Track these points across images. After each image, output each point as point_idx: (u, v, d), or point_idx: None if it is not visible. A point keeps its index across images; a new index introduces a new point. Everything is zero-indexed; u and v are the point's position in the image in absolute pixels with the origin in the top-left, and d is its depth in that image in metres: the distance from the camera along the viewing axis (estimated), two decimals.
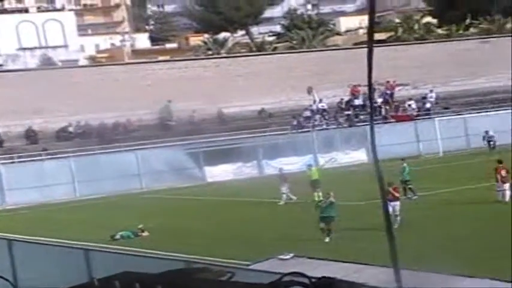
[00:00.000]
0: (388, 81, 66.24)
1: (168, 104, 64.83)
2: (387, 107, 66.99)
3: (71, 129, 62.44)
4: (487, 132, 58.93)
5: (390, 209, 27.71)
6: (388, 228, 2.65)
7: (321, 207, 28.61)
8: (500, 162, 34.89)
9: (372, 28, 2.99)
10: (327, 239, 27.24)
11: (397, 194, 30.27)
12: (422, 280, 12.47)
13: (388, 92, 67.65)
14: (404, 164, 38.95)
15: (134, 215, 39.39)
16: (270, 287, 2.32)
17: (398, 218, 28.63)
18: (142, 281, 2.55)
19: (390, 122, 63.70)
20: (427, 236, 26.59)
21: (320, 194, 35.46)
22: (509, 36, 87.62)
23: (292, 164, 57.93)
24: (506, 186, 33.23)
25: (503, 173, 33.52)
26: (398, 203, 29.51)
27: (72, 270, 15.90)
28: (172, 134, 60.25)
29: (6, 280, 3.15)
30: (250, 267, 15.53)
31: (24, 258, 18.18)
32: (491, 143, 58.20)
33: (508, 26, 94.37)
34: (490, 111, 64.39)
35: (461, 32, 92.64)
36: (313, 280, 2.31)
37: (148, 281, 2.55)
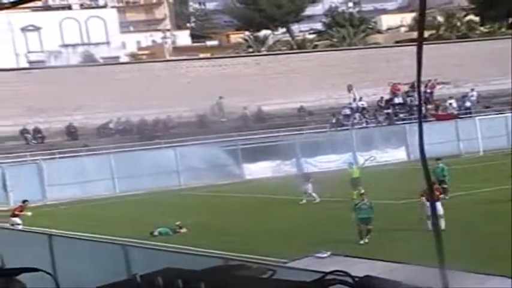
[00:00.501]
0: (429, 80, 65.89)
1: (220, 101, 65.11)
2: (428, 106, 66.61)
3: (111, 125, 62.83)
4: None
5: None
6: (435, 227, 2.62)
7: (360, 208, 28.29)
8: None
9: (422, 24, 2.98)
10: (366, 240, 26.98)
11: (438, 194, 29.19)
12: (460, 280, 12.41)
13: (429, 90, 67.30)
14: (441, 164, 37.59)
15: (172, 212, 39.53)
16: (313, 285, 2.31)
17: (442, 218, 28.19)
18: (184, 277, 2.55)
19: (430, 121, 63.25)
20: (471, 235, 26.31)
21: (362, 191, 35.15)
22: None
23: (331, 162, 58.02)
24: None
25: None
26: (439, 203, 28.08)
27: (111, 265, 16.00)
28: (211, 131, 60.36)
29: (48, 273, 3.17)
30: (288, 264, 15.57)
31: (64, 253, 18.35)
32: None
33: None
34: None
35: (503, 30, 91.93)
36: (356, 279, 2.30)
37: (190, 277, 2.55)
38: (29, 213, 35.41)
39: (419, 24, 3.00)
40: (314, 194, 39.82)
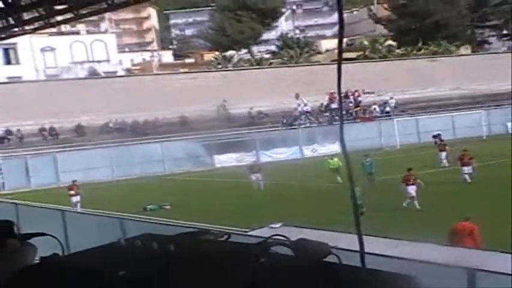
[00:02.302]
0: (357, 90, 66.35)
1: (224, 103, 65.63)
2: (356, 110, 67.06)
3: (110, 125, 62.61)
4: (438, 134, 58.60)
5: (410, 191, 27.96)
6: (354, 201, 2.64)
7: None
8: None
9: (340, 48, 3.05)
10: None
11: (413, 179, 28.55)
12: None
13: (359, 98, 67.77)
14: (368, 159, 36.88)
15: (158, 192, 39.47)
16: (258, 246, 2.30)
17: (416, 200, 27.59)
18: (158, 241, 2.53)
19: (359, 122, 63.62)
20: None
21: (339, 178, 34.87)
22: (452, 56, 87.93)
23: (282, 153, 58.32)
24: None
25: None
26: (414, 187, 28.09)
27: (109, 234, 15.92)
28: (189, 129, 60.31)
29: (53, 237, 3.14)
30: (247, 233, 15.54)
31: (74, 225, 18.28)
32: (438, 140, 58.01)
33: (451, 49, 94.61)
34: (435, 114, 64.35)
35: (415, 52, 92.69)
36: (292, 240, 2.30)
37: (163, 241, 2.53)
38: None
39: (338, 48, 3.04)
40: (262, 183, 39.12)
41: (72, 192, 35.13)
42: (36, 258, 2.77)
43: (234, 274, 2.16)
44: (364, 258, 2.43)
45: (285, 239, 2.34)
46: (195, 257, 2.33)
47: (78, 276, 2.30)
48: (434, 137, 55.47)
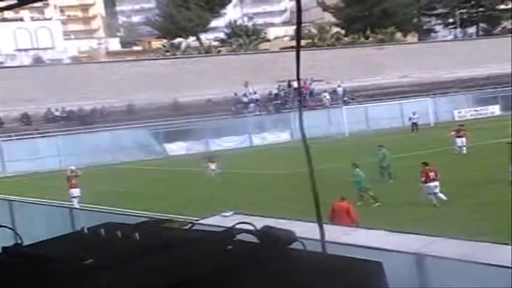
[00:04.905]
0: (306, 78, 66.39)
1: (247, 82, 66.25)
2: (306, 98, 67.19)
3: (57, 113, 61.71)
4: (413, 113, 59.21)
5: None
6: (313, 187, 2.68)
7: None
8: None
9: (299, 35, 3.06)
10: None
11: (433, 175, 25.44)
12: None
13: (308, 86, 68.01)
14: (384, 150, 32.72)
15: (108, 181, 39.13)
16: (224, 234, 2.33)
17: (441, 194, 25.09)
18: (122, 230, 2.55)
19: (309, 110, 63.73)
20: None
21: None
22: (399, 44, 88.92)
23: (232, 142, 58.34)
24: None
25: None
26: (437, 183, 25.25)
27: (61, 224, 15.77)
28: (138, 117, 59.87)
29: (10, 228, 3.12)
30: (200, 221, 15.54)
31: (22, 215, 18.01)
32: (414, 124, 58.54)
33: (397, 36, 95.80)
34: (384, 102, 64.96)
35: (362, 40, 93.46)
36: (258, 228, 2.34)
37: (127, 230, 2.55)
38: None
39: (297, 35, 3.07)
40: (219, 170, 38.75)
41: (73, 182, 32.05)
42: None
43: (201, 262, 2.20)
44: (325, 246, 2.49)
45: (250, 226, 2.38)
46: (161, 245, 2.35)
47: (45, 265, 2.30)
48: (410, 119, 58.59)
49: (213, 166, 39.00)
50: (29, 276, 2.28)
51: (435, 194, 25.14)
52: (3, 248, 2.61)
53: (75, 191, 31.38)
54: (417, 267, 10.00)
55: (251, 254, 2.20)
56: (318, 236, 2.58)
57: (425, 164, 26.05)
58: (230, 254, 2.25)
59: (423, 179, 25.33)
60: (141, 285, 2.04)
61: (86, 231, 2.67)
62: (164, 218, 2.93)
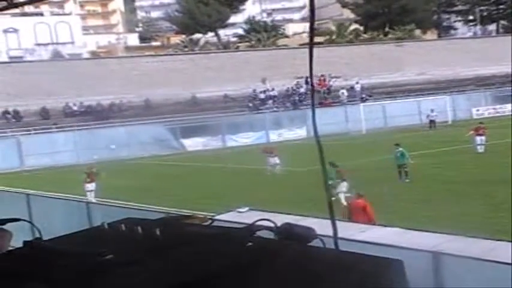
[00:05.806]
0: (323, 75, 66.28)
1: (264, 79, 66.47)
2: (325, 95, 67.07)
3: (75, 108, 61.98)
4: (431, 111, 59.15)
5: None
6: (326, 186, 2.68)
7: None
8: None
9: (312, 32, 3.09)
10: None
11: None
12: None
13: (326, 83, 67.91)
14: (401, 148, 31.54)
15: (125, 176, 39.20)
16: (245, 230, 2.34)
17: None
18: (142, 225, 2.56)
19: (325, 107, 63.59)
20: None
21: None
22: (418, 41, 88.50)
23: (249, 138, 58.38)
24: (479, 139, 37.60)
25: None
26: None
27: (78, 219, 15.85)
28: (155, 112, 59.97)
29: (28, 222, 3.14)
30: (216, 217, 15.56)
31: (39, 209, 18.10)
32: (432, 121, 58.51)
33: (416, 33, 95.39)
34: (402, 99, 64.79)
35: (381, 36, 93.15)
36: (278, 225, 2.34)
37: (147, 225, 2.56)
38: None
39: (310, 31, 3.08)
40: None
41: (91, 177, 31.43)
42: (11, 245, 2.76)
43: (222, 258, 2.20)
44: (337, 242, 2.49)
45: (271, 223, 2.39)
46: (181, 241, 2.36)
47: (66, 260, 2.31)
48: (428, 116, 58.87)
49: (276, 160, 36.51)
50: (50, 270, 2.29)
51: None
52: (24, 241, 2.63)
53: (91, 185, 31.10)
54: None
55: (271, 251, 2.21)
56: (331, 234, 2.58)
57: None
58: (250, 251, 2.25)
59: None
60: (162, 280, 2.05)
61: (106, 226, 2.69)
62: (184, 214, 2.94)
